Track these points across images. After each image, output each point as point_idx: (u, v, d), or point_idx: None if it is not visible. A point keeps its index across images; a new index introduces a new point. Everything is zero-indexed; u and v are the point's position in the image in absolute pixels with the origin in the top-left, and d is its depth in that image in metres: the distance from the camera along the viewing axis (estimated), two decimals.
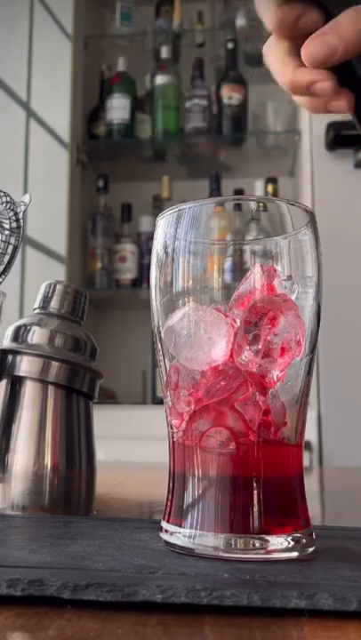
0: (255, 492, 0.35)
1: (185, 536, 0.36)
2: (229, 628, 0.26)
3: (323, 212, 1.81)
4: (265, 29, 0.43)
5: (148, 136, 2.20)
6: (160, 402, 1.86)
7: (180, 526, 0.36)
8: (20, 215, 0.52)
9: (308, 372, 0.38)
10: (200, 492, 0.36)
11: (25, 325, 0.55)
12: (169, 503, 0.38)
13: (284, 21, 0.42)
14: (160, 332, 0.39)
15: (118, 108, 2.19)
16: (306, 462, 1.63)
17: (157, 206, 2.20)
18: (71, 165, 2.13)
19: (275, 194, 2.11)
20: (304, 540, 0.36)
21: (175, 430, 0.38)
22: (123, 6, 2.27)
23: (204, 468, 0.36)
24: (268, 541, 0.34)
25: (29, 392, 0.54)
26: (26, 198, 0.52)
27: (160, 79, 2.19)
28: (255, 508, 0.35)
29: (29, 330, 0.55)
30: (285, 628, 0.26)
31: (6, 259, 0.51)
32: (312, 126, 2.01)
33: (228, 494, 0.35)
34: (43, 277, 0.61)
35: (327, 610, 0.27)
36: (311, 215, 0.39)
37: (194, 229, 0.38)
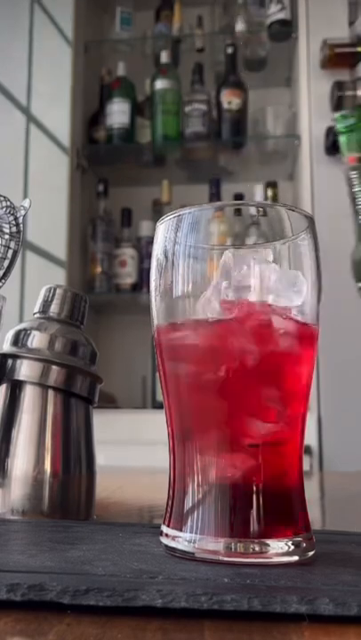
0: (255, 496, 0.35)
1: (185, 540, 0.35)
2: (230, 633, 0.26)
3: (322, 216, 1.81)
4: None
5: (147, 141, 2.20)
6: (160, 406, 1.86)
7: (181, 530, 0.36)
8: (20, 219, 0.52)
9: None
10: (200, 496, 0.36)
11: (25, 330, 0.55)
12: (169, 508, 0.38)
13: None
14: (160, 336, 0.39)
15: (118, 113, 2.19)
16: (306, 467, 1.63)
17: (157, 211, 2.20)
18: (71, 170, 2.13)
19: (274, 198, 2.11)
20: (304, 544, 0.36)
21: (176, 434, 0.38)
22: (123, 11, 2.28)
23: (204, 472, 0.36)
24: (268, 545, 0.34)
25: (29, 396, 0.54)
26: (26, 203, 0.52)
27: (160, 84, 2.19)
28: (255, 513, 0.35)
29: (29, 334, 0.55)
30: (286, 634, 0.26)
31: (6, 263, 0.51)
32: (312, 131, 2.01)
33: (228, 499, 0.35)
34: (43, 282, 0.61)
35: (328, 615, 0.27)
36: (310, 220, 0.39)
37: (194, 234, 0.38)
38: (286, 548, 0.35)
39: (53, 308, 0.57)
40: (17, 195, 1.27)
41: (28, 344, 0.55)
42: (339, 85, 1.99)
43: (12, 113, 2.02)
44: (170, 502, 0.38)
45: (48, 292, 0.58)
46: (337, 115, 0.57)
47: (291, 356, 0.37)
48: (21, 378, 0.54)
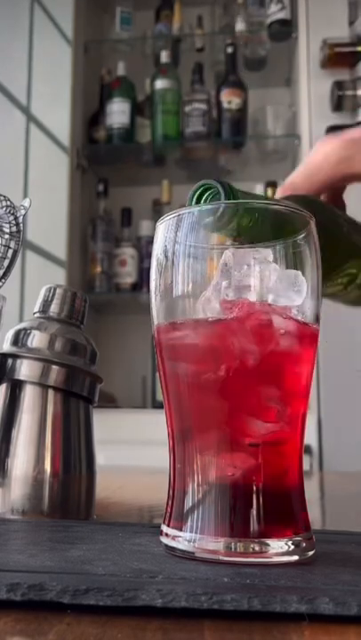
0: (255, 496, 0.35)
1: (185, 540, 0.35)
2: (229, 633, 0.26)
3: None
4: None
5: (147, 140, 2.20)
6: (160, 406, 1.86)
7: (181, 530, 0.36)
8: (20, 219, 0.52)
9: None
10: (200, 496, 0.36)
11: (25, 329, 0.55)
12: (169, 507, 0.38)
13: None
14: (159, 335, 0.39)
15: (118, 113, 2.19)
16: (306, 466, 1.63)
17: (157, 210, 2.20)
18: (71, 170, 2.13)
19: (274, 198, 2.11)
20: (304, 544, 0.36)
21: (176, 434, 0.38)
22: (123, 11, 2.28)
23: (204, 472, 0.36)
24: (268, 545, 0.34)
25: (29, 396, 0.54)
26: (26, 202, 0.52)
27: (160, 83, 2.19)
28: (255, 512, 0.35)
29: (29, 334, 0.55)
30: (286, 633, 0.26)
31: (6, 263, 0.51)
32: (311, 130, 2.01)
33: (228, 498, 0.35)
34: (43, 281, 0.61)
35: (328, 614, 0.27)
36: (311, 220, 0.39)
37: (194, 234, 0.38)
38: (286, 547, 0.35)
39: (53, 308, 0.57)
40: (17, 195, 1.27)
41: (28, 344, 0.55)
42: (339, 85, 1.99)
43: (12, 113, 2.02)
44: (170, 502, 0.38)
45: (48, 291, 0.58)
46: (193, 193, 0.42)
47: (291, 356, 0.37)
48: (21, 377, 0.54)
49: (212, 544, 0.35)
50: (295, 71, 2.17)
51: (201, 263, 0.38)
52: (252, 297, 0.36)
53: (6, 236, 0.51)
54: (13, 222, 0.51)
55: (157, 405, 2.09)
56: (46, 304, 0.57)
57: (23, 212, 0.52)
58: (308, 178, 0.52)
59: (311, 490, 0.94)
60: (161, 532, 0.38)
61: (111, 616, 0.28)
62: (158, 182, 2.21)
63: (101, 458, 0.60)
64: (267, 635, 0.26)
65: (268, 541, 0.35)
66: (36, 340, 0.55)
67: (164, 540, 0.37)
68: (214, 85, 2.22)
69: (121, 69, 2.24)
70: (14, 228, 0.52)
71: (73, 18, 2.19)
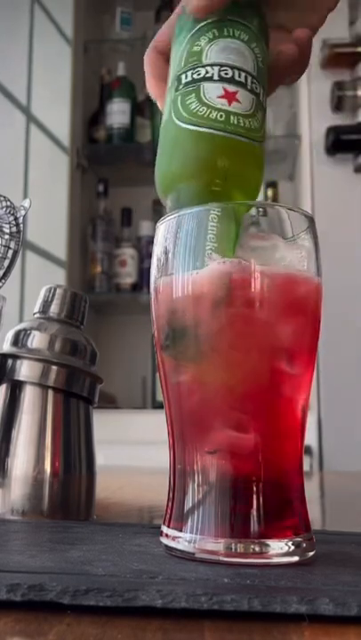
0: (255, 496, 0.35)
1: (185, 540, 0.35)
2: (229, 634, 0.26)
3: (323, 216, 1.82)
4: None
5: (147, 140, 2.20)
6: (160, 406, 1.86)
7: (181, 531, 0.36)
8: (20, 219, 0.52)
9: None
10: (200, 496, 0.36)
11: (25, 330, 0.55)
12: (169, 508, 0.38)
13: None
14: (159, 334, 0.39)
15: (118, 113, 2.19)
16: (306, 467, 1.63)
17: (157, 210, 2.20)
18: (71, 170, 2.13)
19: (275, 198, 2.11)
20: (304, 545, 0.36)
21: (175, 433, 0.38)
22: (123, 11, 2.28)
23: (204, 472, 0.36)
24: (268, 546, 0.34)
25: (29, 396, 0.54)
26: (26, 203, 0.52)
27: None
28: (255, 513, 0.35)
29: (29, 334, 0.55)
30: (286, 634, 0.26)
31: (6, 263, 0.51)
32: (312, 130, 2.01)
33: (228, 499, 0.35)
34: (43, 282, 0.61)
35: (328, 615, 0.27)
36: (311, 220, 0.39)
37: (194, 234, 0.38)
38: (286, 548, 0.35)
39: (53, 308, 0.57)
40: (17, 195, 1.27)
41: (28, 344, 0.55)
42: (339, 85, 1.99)
43: (12, 113, 2.02)
44: (170, 503, 0.38)
45: (48, 292, 0.58)
46: None
47: (293, 353, 0.37)
48: (21, 378, 0.54)
49: (212, 545, 0.35)
50: None
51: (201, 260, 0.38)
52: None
53: (6, 237, 0.51)
54: (13, 222, 0.52)
55: (157, 405, 2.09)
56: (46, 304, 0.57)
57: (23, 212, 0.52)
58: None
59: (311, 490, 0.94)
60: (161, 533, 0.38)
61: (111, 616, 0.28)
62: None
63: (101, 458, 0.60)
64: (267, 635, 0.26)
65: (269, 542, 0.34)
66: (36, 340, 0.55)
67: (164, 540, 0.37)
68: None
69: (121, 69, 2.24)
70: (14, 229, 0.52)
71: (73, 18, 2.19)
